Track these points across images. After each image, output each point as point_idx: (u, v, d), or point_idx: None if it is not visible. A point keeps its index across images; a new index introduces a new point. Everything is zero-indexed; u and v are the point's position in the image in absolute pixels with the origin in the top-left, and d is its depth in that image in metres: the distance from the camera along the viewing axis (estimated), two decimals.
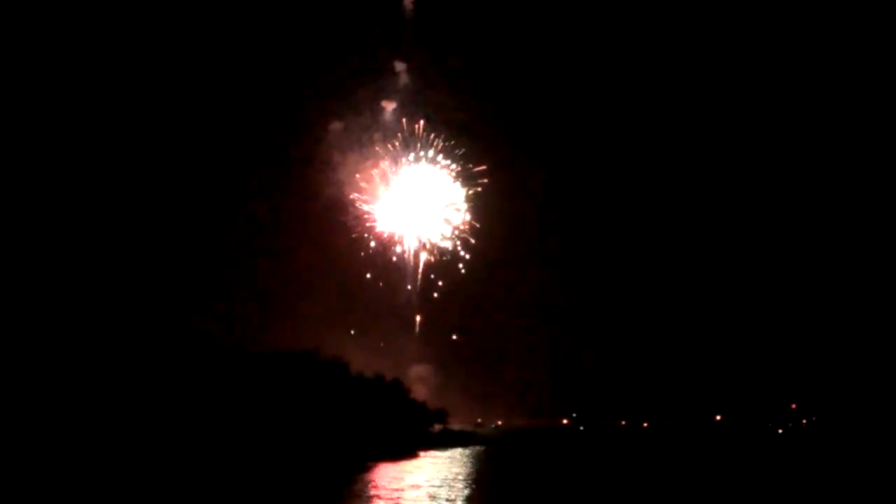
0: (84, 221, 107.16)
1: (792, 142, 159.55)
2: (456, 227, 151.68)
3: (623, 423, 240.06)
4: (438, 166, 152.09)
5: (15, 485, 42.87)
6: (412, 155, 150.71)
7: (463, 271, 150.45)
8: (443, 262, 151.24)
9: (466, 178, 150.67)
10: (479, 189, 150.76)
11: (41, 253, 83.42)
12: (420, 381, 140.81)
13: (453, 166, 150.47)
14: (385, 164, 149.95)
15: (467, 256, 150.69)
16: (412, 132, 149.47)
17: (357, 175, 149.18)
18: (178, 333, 79.44)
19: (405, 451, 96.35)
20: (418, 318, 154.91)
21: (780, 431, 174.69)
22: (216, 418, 68.89)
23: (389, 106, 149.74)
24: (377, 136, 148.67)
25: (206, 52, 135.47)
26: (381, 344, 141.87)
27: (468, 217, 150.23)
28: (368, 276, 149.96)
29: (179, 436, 63.14)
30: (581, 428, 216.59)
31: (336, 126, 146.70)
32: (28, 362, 57.67)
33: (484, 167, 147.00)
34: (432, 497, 44.36)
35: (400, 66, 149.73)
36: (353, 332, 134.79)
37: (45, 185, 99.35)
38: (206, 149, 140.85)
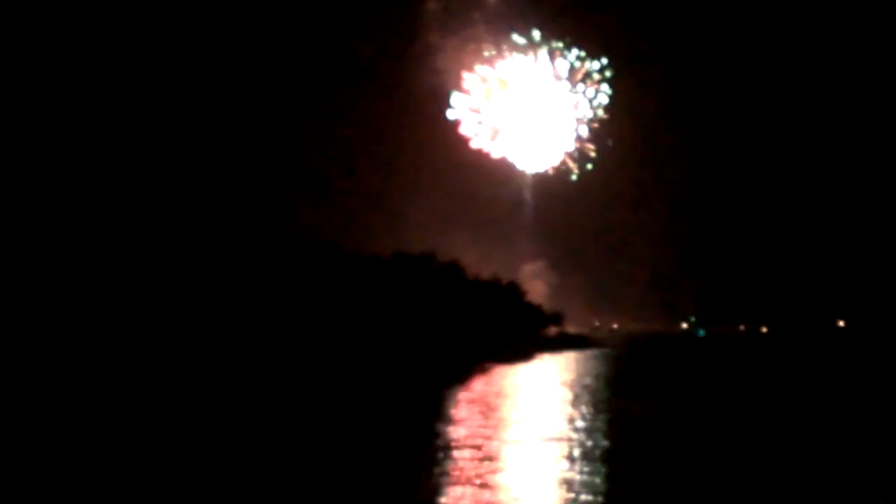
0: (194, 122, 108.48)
1: None
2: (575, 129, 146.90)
3: (742, 328, 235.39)
4: (545, 52, 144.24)
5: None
6: (516, 40, 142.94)
7: (576, 171, 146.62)
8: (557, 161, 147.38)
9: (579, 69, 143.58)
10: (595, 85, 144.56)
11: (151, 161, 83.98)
12: (535, 278, 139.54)
13: (564, 58, 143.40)
14: (488, 51, 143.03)
15: (590, 153, 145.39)
16: (517, 15, 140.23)
17: (457, 63, 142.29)
18: (296, 239, 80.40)
19: (521, 353, 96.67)
20: (532, 216, 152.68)
21: None
22: (335, 321, 70.20)
23: None
24: (478, 17, 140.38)
25: None
26: (495, 244, 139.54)
27: (580, 114, 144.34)
28: (477, 172, 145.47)
29: (299, 339, 64.64)
30: (700, 333, 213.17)
31: (432, 5, 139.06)
32: (140, 269, 58.82)
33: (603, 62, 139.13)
34: (545, 405, 43.90)
35: None
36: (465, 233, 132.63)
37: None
38: (294, 36, 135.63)
